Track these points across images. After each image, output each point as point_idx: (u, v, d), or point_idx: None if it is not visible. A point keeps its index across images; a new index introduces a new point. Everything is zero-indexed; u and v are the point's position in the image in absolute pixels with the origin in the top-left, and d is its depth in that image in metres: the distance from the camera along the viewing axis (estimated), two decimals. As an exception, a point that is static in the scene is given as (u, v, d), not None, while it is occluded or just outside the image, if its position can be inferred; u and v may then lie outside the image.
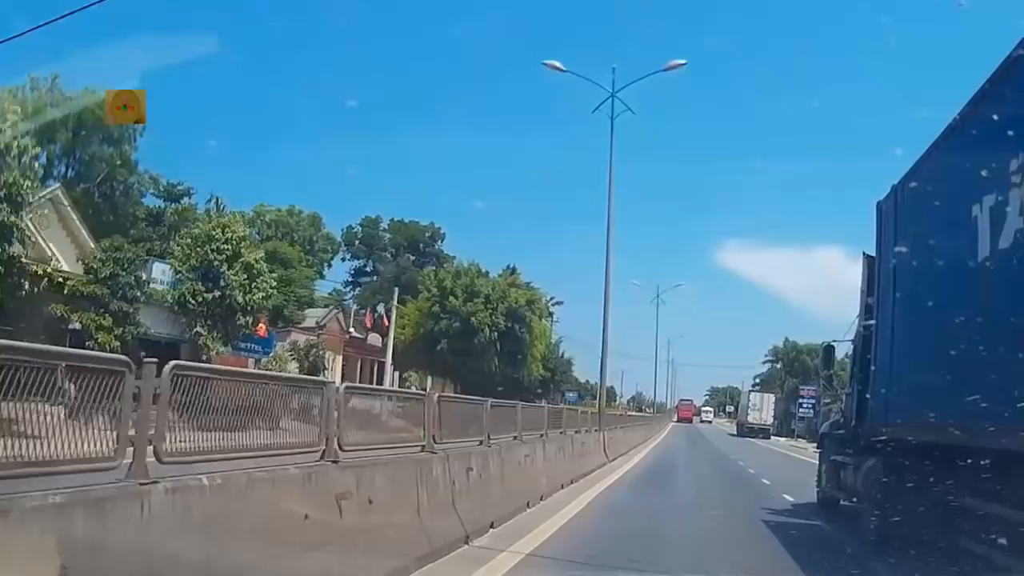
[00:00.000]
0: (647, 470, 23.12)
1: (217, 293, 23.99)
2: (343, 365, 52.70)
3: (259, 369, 29.56)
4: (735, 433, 71.37)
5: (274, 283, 25.50)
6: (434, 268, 58.07)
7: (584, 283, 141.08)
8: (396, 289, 54.39)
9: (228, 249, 24.76)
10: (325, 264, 74.59)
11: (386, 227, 77.23)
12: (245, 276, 24.45)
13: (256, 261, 24.60)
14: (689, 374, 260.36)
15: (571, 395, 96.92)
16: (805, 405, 56.42)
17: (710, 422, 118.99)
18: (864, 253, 12.00)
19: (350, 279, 74.95)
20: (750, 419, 62.68)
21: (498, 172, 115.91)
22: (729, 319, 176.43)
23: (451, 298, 45.70)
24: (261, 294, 24.28)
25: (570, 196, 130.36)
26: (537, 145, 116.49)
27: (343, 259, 75.35)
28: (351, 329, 54.18)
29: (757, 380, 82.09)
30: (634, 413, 76.79)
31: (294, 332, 49.25)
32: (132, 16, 44.38)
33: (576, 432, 18.58)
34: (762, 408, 62.78)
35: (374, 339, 55.04)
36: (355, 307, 68.25)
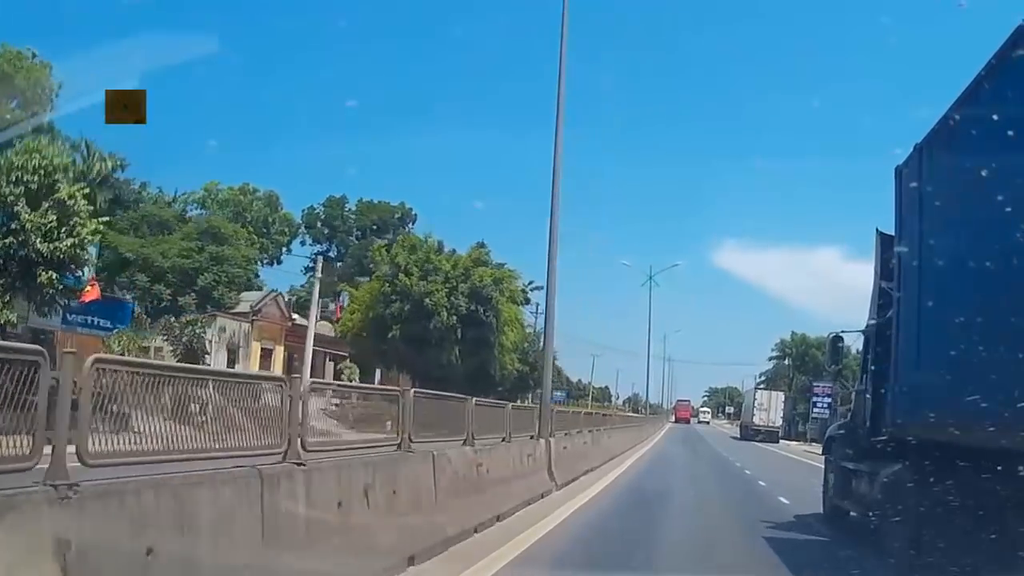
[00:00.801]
0: (616, 507, 14.00)
1: (9, 240, 16.67)
2: (286, 356, 45.40)
3: (104, 347, 22.60)
4: (738, 436, 64.02)
5: (95, 228, 18.08)
6: (387, 242, 50.69)
7: (585, 281, 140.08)
8: (334, 264, 46.79)
9: (35, 182, 17.44)
10: (283, 248, 67.46)
11: (352, 208, 69.88)
12: (54, 218, 17.11)
13: (71, 197, 17.23)
14: (687, 375, 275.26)
15: (557, 394, 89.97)
16: (820, 404, 49.14)
17: (707, 423, 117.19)
18: (878, 231, 10.84)
19: (311, 264, 67.51)
20: (756, 420, 55.35)
21: (498, 172, 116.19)
22: (727, 318, 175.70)
23: (403, 276, 38.35)
24: (71, 241, 16.90)
25: (570, 196, 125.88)
26: (537, 145, 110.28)
27: (302, 242, 67.99)
28: (295, 317, 46.83)
29: (762, 378, 74.93)
30: (630, 414, 70.35)
31: (221, 317, 41.92)
32: (132, 16, 46.81)
33: (532, 438, 14.16)
34: (770, 408, 55.46)
35: (328, 329, 47.81)
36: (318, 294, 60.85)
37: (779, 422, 55.88)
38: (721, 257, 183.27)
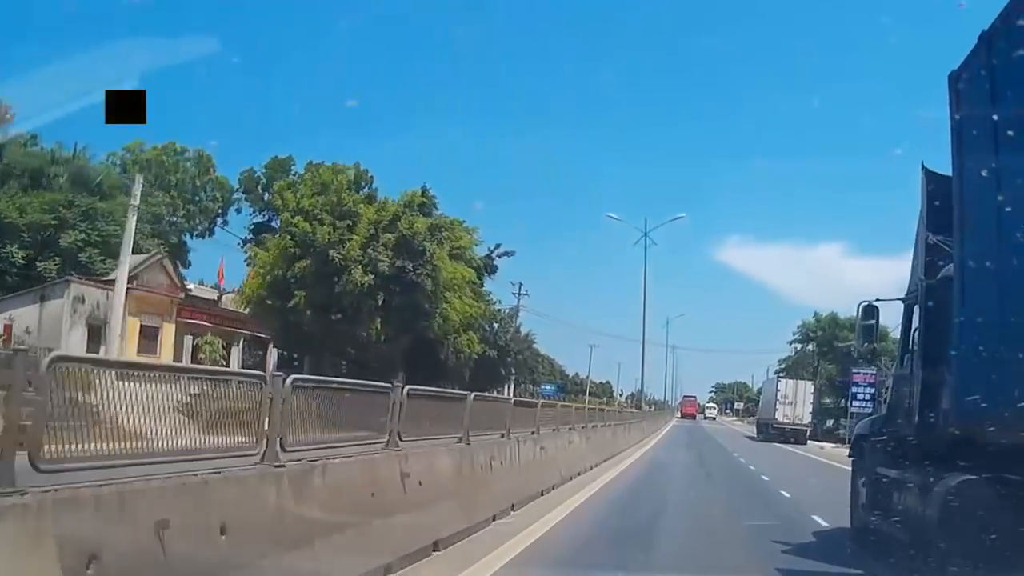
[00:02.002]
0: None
1: None
2: (183, 338, 35.38)
3: None
4: (754, 435, 53.77)
5: None
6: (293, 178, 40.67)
7: (586, 280, 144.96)
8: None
9: None
10: (216, 217, 57.42)
11: (299, 172, 59.63)
12: None
13: None
14: (692, 371, 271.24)
15: (547, 387, 79.85)
16: (861, 396, 38.99)
17: (714, 418, 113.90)
18: (924, 169, 9.05)
19: (251, 235, 57.46)
20: (779, 417, 45.00)
21: (499, 172, 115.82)
22: (731, 315, 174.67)
23: (304, 222, 28.33)
24: None
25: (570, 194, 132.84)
26: (537, 145, 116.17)
27: (238, 210, 57.87)
28: (191, 286, 36.84)
29: (781, 366, 64.69)
30: (631, 410, 61.69)
31: (80, 284, 31.85)
32: (133, 16, 47.84)
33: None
34: (796, 401, 45.12)
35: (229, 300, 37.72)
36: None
37: (807, 418, 45.60)
38: (724, 254, 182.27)
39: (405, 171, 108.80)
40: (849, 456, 12.03)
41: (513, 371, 44.74)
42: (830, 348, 56.09)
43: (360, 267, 27.14)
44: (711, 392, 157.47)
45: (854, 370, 40.85)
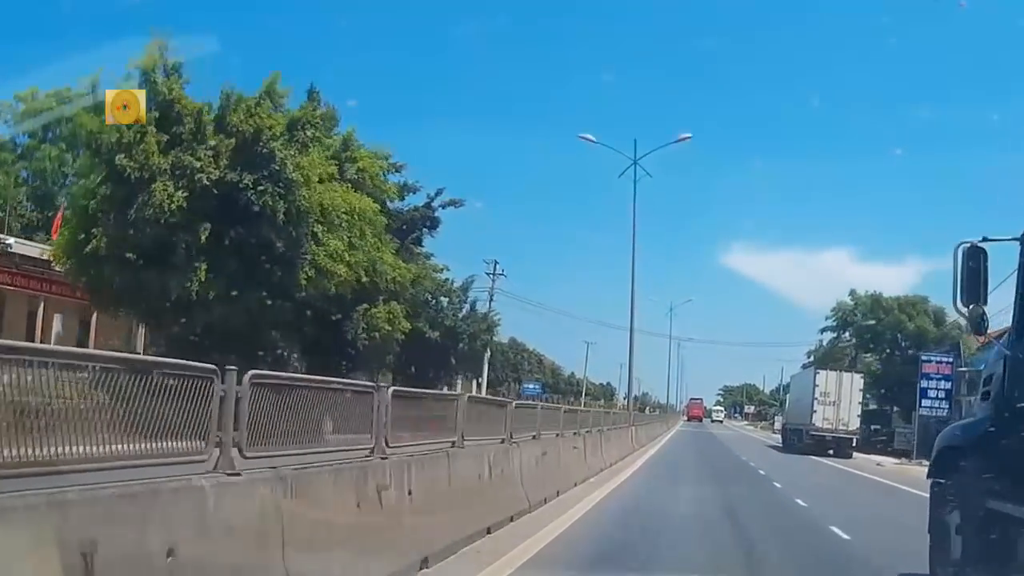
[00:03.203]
0: None
1: None
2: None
3: None
4: (779, 445, 43.14)
5: None
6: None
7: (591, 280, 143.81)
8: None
9: None
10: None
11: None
12: None
13: None
14: (699, 374, 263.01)
15: (530, 386, 69.38)
16: (933, 392, 28.55)
17: (721, 421, 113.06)
18: None
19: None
20: (817, 421, 33.64)
21: (498, 172, 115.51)
22: (739, 321, 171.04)
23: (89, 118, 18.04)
24: None
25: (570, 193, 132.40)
26: (536, 145, 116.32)
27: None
28: (8, 240, 26.63)
29: (810, 359, 53.51)
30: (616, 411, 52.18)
31: None
32: (132, 16, 45.97)
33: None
34: (840, 398, 33.61)
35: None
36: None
37: (855, 423, 34.13)
38: (729, 259, 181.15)
39: (406, 171, 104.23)
40: (929, 478, 8.08)
41: (454, 360, 34.43)
42: (873, 336, 44.96)
43: (166, 180, 16.80)
44: (718, 395, 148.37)
45: (924, 357, 30.22)
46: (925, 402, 29.16)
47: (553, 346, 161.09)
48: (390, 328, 23.37)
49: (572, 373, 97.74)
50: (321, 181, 19.24)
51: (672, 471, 22.43)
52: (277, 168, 17.46)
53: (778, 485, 19.93)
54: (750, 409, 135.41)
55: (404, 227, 28.79)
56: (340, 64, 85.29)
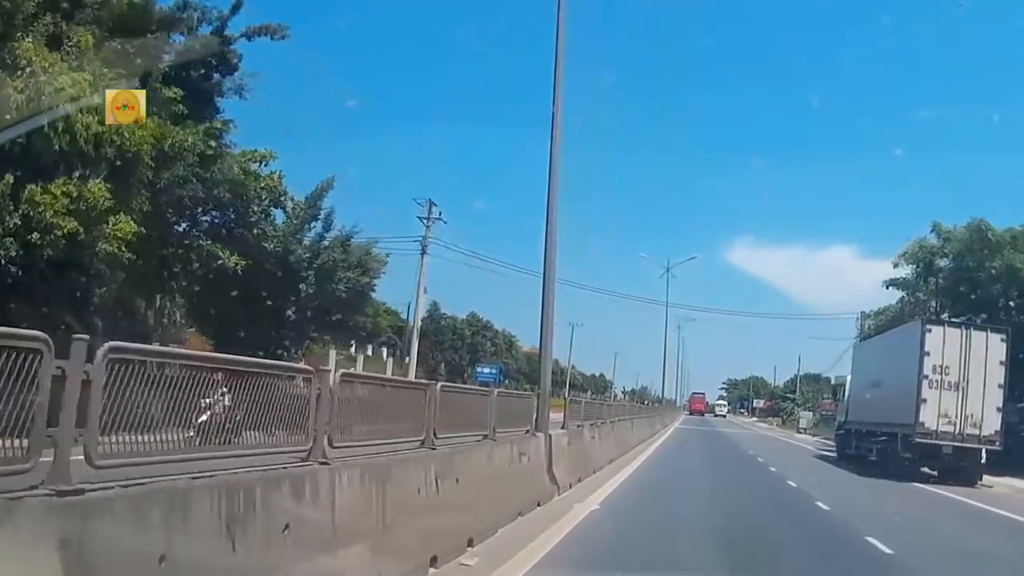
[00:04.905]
0: None
1: None
2: None
3: None
4: (830, 454, 29.12)
5: None
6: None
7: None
8: None
9: None
10: None
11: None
12: None
13: None
14: (702, 369, 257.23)
15: (485, 371, 55.42)
16: None
17: (724, 416, 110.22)
18: None
19: None
20: (927, 420, 19.52)
21: (498, 172, 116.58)
22: (743, 319, 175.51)
23: None
24: None
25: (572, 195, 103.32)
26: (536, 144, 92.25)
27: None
28: None
29: (870, 324, 38.07)
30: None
31: None
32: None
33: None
34: (968, 380, 19.65)
35: None
36: None
37: (995, 421, 20.02)
38: (733, 256, 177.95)
39: (406, 171, 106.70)
40: None
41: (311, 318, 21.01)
42: (971, 285, 28.83)
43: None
44: (722, 388, 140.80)
45: None
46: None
47: (532, 332, 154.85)
48: (112, 245, 10.01)
49: (556, 361, 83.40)
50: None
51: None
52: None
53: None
54: (759, 403, 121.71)
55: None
56: (340, 64, 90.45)
